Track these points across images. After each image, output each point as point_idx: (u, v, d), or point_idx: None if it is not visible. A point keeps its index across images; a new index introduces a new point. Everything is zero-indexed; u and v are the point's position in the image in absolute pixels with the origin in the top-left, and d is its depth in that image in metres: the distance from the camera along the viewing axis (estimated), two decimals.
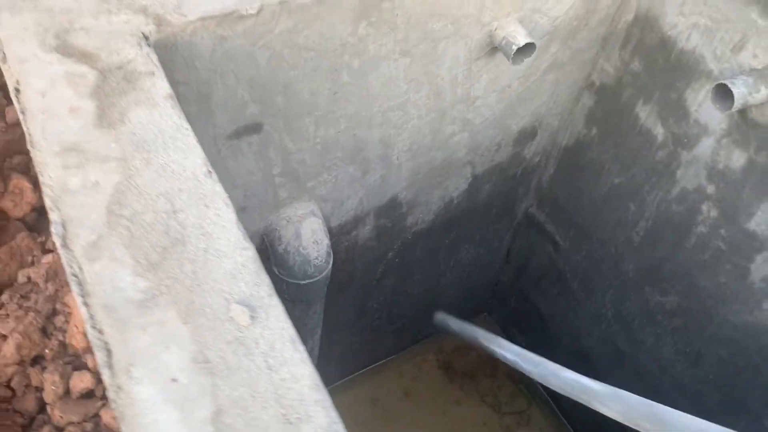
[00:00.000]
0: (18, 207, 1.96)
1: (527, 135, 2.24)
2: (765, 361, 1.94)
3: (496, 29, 1.65)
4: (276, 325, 0.85)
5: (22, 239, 1.93)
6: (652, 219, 2.12)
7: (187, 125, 1.05)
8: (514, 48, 1.61)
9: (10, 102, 2.24)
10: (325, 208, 1.92)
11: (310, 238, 1.81)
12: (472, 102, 1.90)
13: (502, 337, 2.02)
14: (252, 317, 0.85)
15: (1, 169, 2.00)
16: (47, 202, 0.97)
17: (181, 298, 0.87)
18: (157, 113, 1.06)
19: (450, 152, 2.06)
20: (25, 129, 1.05)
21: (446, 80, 1.74)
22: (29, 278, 1.88)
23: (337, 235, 2.08)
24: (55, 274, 1.89)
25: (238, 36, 1.26)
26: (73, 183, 0.97)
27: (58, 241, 0.93)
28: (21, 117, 1.06)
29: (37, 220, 2.05)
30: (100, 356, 0.83)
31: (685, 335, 2.21)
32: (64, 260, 0.91)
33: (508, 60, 1.64)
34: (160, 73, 1.12)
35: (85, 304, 0.86)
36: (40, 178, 1.01)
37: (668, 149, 1.95)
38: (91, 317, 0.85)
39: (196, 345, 0.83)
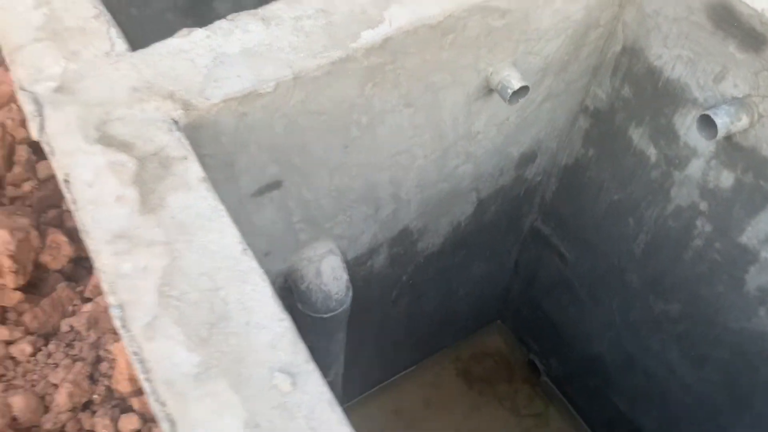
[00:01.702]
0: (56, 260, 2.09)
1: (528, 158, 2.36)
2: (764, 363, 2.06)
3: (491, 74, 1.77)
4: (314, 390, 0.98)
5: (63, 290, 2.06)
6: (651, 233, 2.23)
7: (221, 206, 1.18)
8: (510, 92, 1.73)
9: (40, 158, 2.37)
10: (342, 245, 2.05)
11: (330, 275, 1.94)
12: (474, 137, 2.02)
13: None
14: (293, 384, 0.98)
15: (38, 224, 2.14)
16: (104, 287, 1.10)
17: (230, 370, 1.00)
18: (193, 196, 1.19)
19: (455, 183, 2.18)
20: (77, 219, 1.18)
21: (448, 122, 1.87)
22: (72, 327, 2.01)
23: (354, 266, 2.21)
24: (96, 321, 2.02)
25: (257, 111, 1.39)
26: (125, 268, 1.10)
27: (117, 323, 1.06)
28: (72, 207, 1.20)
29: (74, 270, 2.18)
30: (164, 427, 0.96)
31: (689, 340, 2.33)
32: (125, 340, 1.04)
33: (505, 102, 1.75)
34: (192, 157, 1.24)
35: (148, 380, 0.99)
36: (94, 264, 1.14)
37: (661, 169, 2.06)
38: (154, 392, 0.98)
39: (247, 412, 0.96)
